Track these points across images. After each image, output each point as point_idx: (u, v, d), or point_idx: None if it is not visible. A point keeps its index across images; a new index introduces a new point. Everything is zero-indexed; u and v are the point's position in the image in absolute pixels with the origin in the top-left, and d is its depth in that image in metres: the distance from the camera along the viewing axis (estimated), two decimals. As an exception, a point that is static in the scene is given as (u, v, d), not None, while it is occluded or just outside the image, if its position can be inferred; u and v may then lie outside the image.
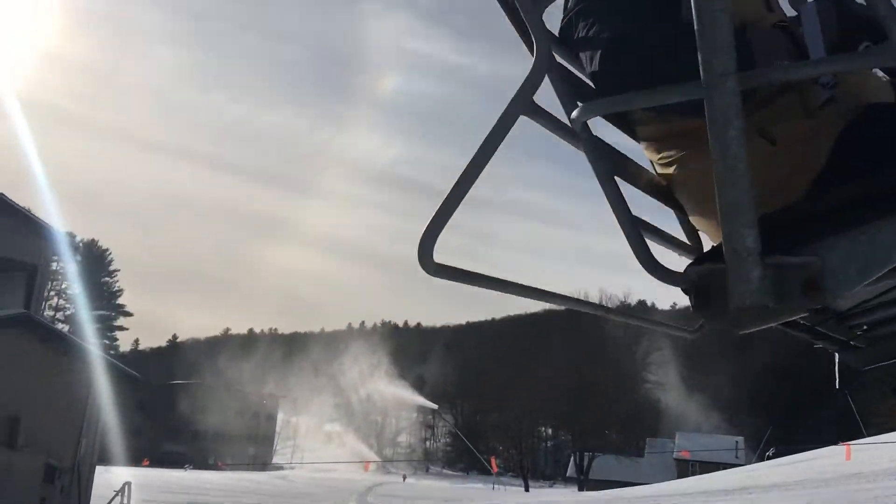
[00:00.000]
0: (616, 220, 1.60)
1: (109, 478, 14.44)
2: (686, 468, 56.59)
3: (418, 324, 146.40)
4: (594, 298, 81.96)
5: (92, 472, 13.47)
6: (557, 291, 1.90)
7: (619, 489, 34.85)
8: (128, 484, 14.06)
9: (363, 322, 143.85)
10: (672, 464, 62.29)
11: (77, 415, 13.14)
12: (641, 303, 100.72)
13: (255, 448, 76.58)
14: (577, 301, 2.01)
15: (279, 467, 69.70)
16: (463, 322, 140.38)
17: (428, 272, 1.63)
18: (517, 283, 1.77)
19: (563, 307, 1.96)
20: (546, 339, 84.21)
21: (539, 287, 1.84)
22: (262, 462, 69.57)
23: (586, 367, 66.64)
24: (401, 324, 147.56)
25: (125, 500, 13.82)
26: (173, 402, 71.23)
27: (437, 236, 1.64)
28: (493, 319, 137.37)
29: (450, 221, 1.61)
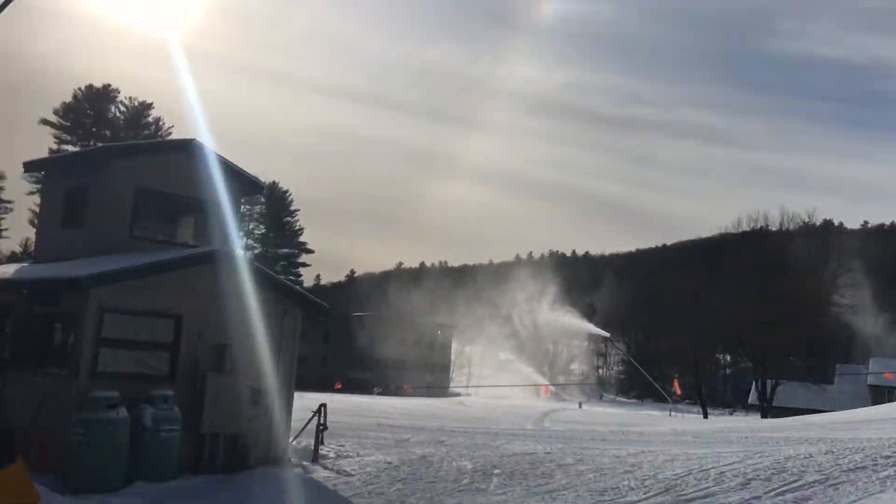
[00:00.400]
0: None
1: (303, 402, 15.48)
2: (882, 395, 53.14)
3: (586, 253, 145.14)
4: (774, 219, 77.39)
5: (291, 394, 14.54)
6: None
7: (807, 416, 33.34)
8: (323, 405, 15.05)
9: (531, 252, 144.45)
10: (865, 391, 58.70)
11: (274, 342, 14.16)
12: (827, 222, 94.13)
13: (431, 376, 79.68)
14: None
15: (456, 394, 72.19)
16: (633, 249, 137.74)
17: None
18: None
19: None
20: (720, 263, 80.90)
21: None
22: (440, 389, 72.23)
23: (767, 291, 63.40)
24: (568, 253, 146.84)
25: (321, 419, 14.82)
26: (354, 333, 75.29)
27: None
28: (663, 246, 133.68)
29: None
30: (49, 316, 12.94)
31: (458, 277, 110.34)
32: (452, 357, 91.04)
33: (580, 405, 67.08)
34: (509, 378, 79.06)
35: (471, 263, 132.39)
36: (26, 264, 16.54)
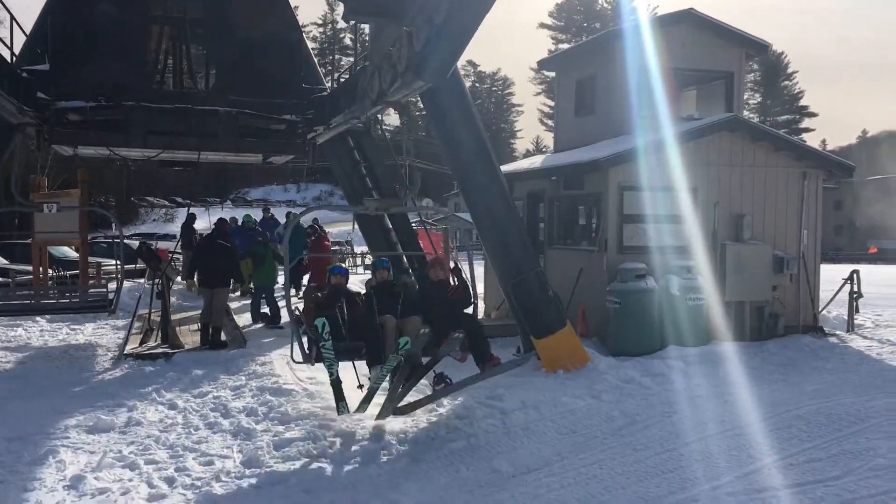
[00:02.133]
0: None
1: (825, 274, 14.41)
2: None
3: None
4: None
5: (817, 262, 13.73)
6: None
7: None
8: (855, 272, 13.92)
9: None
10: None
11: (795, 208, 13.44)
12: None
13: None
14: None
15: None
16: None
17: None
18: None
19: None
20: None
21: None
22: None
23: None
24: None
25: (855, 287, 13.75)
26: (873, 198, 67.56)
27: None
28: None
29: None
30: (575, 198, 14.15)
31: None
32: None
33: None
34: None
35: None
36: (549, 155, 18.23)
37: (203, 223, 27.87)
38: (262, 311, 15.16)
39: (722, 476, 6.42)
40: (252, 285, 16.37)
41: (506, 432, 7.86)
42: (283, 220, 20.47)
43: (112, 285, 13.77)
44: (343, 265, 9.27)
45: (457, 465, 6.94)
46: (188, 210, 23.50)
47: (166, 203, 71.61)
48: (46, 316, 14.54)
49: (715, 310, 12.46)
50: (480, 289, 18.51)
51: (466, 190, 11.13)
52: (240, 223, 19.13)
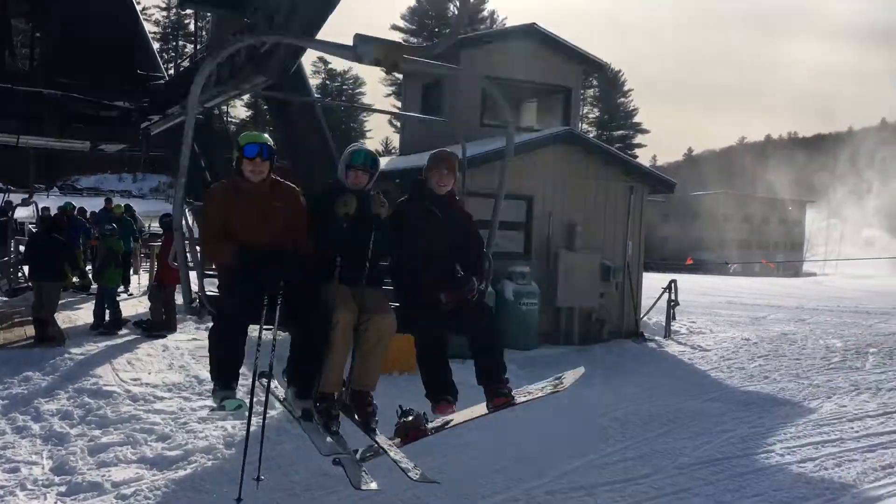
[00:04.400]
0: None
1: (649, 282, 15.44)
2: None
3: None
4: None
5: (640, 272, 14.63)
6: None
7: None
8: (673, 281, 14.93)
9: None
10: None
11: (621, 219, 14.24)
12: None
13: (783, 255, 74.70)
14: None
15: (811, 273, 67.09)
16: None
17: None
18: None
19: None
20: None
21: None
22: (793, 266, 67.56)
23: None
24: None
25: (672, 296, 14.74)
26: (695, 212, 72.77)
27: None
28: None
29: None
30: (417, 201, 14.29)
31: (811, 149, 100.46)
32: (806, 235, 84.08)
33: None
34: (874, 256, 71.10)
35: (825, 132, 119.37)
36: (394, 157, 18.33)
37: (26, 212, 25.88)
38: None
39: (544, 475, 6.70)
40: (78, 281, 15.13)
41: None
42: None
43: None
44: None
45: (285, 468, 6.83)
46: (5, 197, 21.77)
47: (-17, 187, 65.89)
48: None
49: (546, 314, 12.98)
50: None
51: (308, 188, 10.97)
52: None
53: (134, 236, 16.01)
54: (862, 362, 11.32)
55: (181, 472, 6.60)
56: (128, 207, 18.60)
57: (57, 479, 6.36)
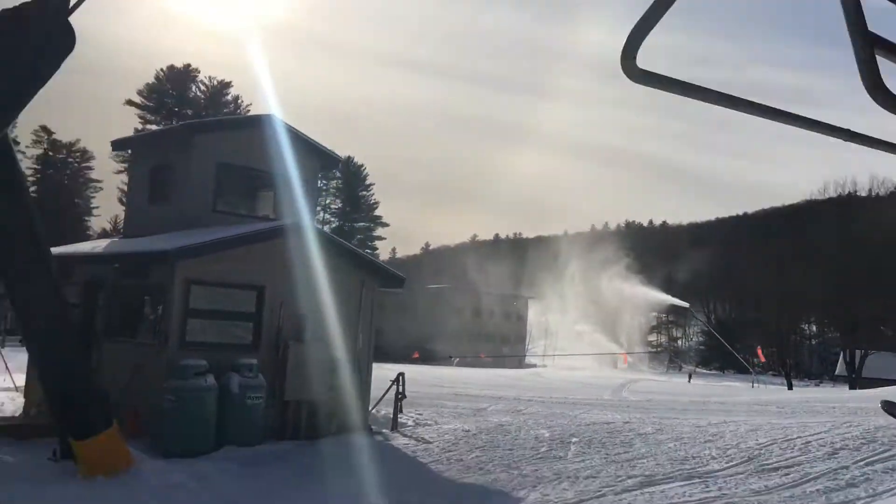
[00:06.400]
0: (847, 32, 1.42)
1: (381, 372, 15.71)
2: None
3: (664, 222, 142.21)
4: (863, 185, 74.39)
5: (370, 364, 14.81)
6: (788, 111, 1.69)
7: (898, 387, 32.04)
8: (401, 374, 15.26)
9: (606, 222, 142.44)
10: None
11: (353, 312, 14.43)
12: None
13: (507, 347, 79.82)
14: (813, 122, 1.77)
15: (532, 365, 72.13)
16: (712, 218, 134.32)
17: (631, 78, 1.53)
18: (734, 97, 1.61)
19: (797, 127, 1.74)
20: (805, 231, 78.13)
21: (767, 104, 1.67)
22: (515, 359, 72.24)
23: (856, 259, 60.94)
24: (645, 223, 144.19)
25: (400, 388, 15.04)
26: (430, 305, 75.85)
27: (643, 39, 1.52)
28: (745, 214, 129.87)
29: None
30: (139, 288, 13.48)
31: (534, 249, 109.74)
32: (528, 328, 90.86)
33: (690, 377, 61.19)
34: (586, 349, 78.51)
35: (546, 234, 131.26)
36: (116, 239, 17.22)
37: None
38: None
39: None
40: None
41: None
42: None
43: None
44: None
45: None
46: None
47: None
48: None
49: (274, 408, 12.63)
50: (21, 381, 16.47)
51: (5, 270, 9.90)
52: None
53: None
54: (565, 451, 12.22)
55: None
56: None
57: None
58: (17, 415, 14.68)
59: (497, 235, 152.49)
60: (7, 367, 19.49)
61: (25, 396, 15.58)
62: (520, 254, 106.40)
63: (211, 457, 11.12)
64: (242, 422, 11.98)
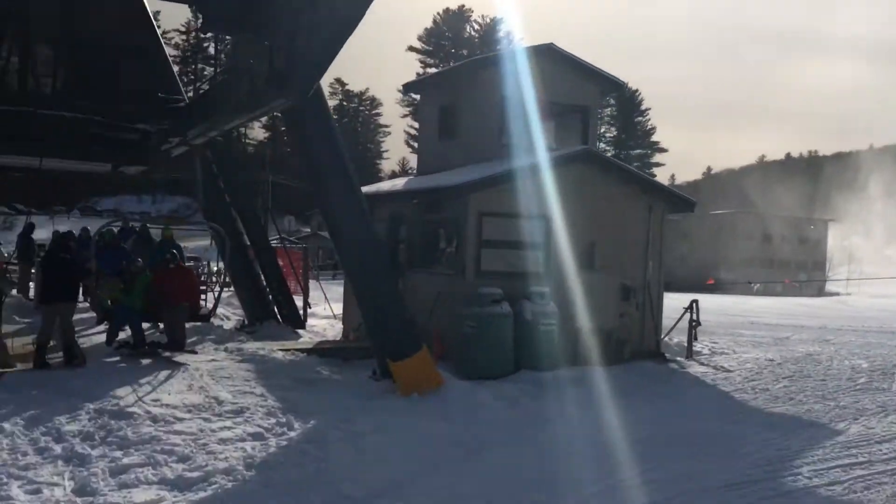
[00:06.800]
0: None
1: (669, 301, 15.28)
2: None
3: None
4: None
5: (660, 292, 14.50)
6: None
7: None
8: (694, 301, 14.78)
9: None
10: None
11: (641, 238, 14.16)
12: None
13: (805, 274, 73.97)
14: None
15: (833, 293, 66.35)
16: None
17: None
18: None
19: None
20: None
21: None
22: (815, 286, 66.83)
23: None
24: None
25: (694, 316, 14.59)
26: (715, 231, 72.36)
27: None
28: None
29: None
30: (435, 222, 14.30)
31: (831, 166, 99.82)
32: (828, 253, 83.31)
33: None
34: (897, 275, 70.28)
35: (846, 150, 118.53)
36: (412, 177, 18.38)
37: (45, 233, 26.14)
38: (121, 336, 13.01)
39: (564, 499, 6.59)
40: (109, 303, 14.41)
41: (357, 456, 7.76)
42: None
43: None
44: None
45: (306, 490, 6.77)
46: (27, 219, 21.97)
47: (5, 210, 66.65)
48: None
49: (566, 335, 12.87)
50: (339, 310, 18.40)
51: (325, 209, 11.02)
52: (93, 237, 17.03)
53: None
54: (889, 383, 11.13)
55: (202, 494, 6.56)
56: (144, 228, 18.46)
57: (79, 500, 6.34)
58: (337, 339, 16.45)
59: (788, 154, 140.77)
60: (326, 298, 21.86)
61: (343, 323, 17.40)
62: (814, 173, 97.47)
63: (510, 379, 11.62)
64: (536, 348, 12.34)
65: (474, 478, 7.14)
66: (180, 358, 11.63)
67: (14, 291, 18.66)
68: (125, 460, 7.33)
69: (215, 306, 14.25)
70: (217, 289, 17.25)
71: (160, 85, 15.23)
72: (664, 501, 6.57)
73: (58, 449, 7.66)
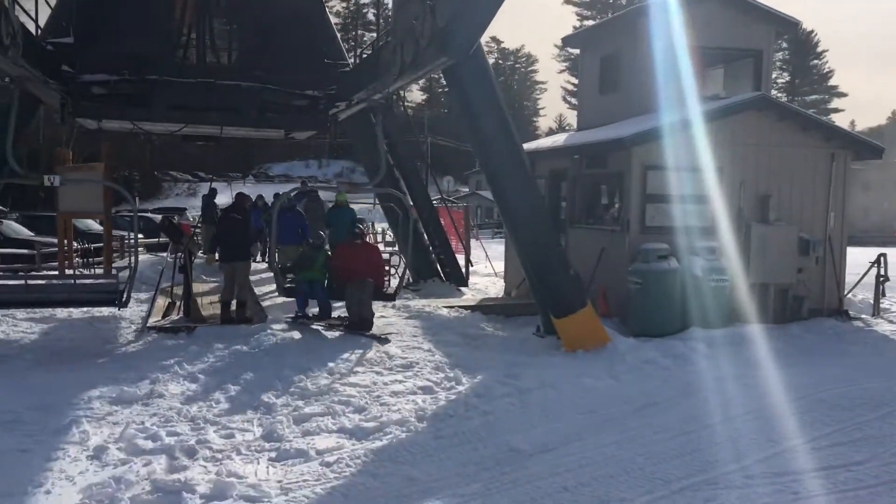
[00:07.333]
0: None
1: (851, 257, 14.19)
2: None
3: None
4: None
5: (843, 244, 13.55)
6: None
7: None
8: (882, 255, 13.72)
9: None
10: None
11: (822, 189, 13.25)
12: None
13: None
14: None
15: None
16: None
17: None
18: None
19: None
20: None
21: None
22: None
23: None
24: None
25: (882, 271, 13.55)
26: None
27: None
28: None
29: None
30: (597, 177, 14.03)
31: None
32: None
33: None
34: None
35: None
36: (573, 132, 18.08)
37: (225, 198, 28.01)
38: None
39: (742, 459, 6.37)
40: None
41: (524, 411, 7.85)
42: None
43: (124, 274, 12.52)
44: None
45: (474, 442, 6.94)
46: (210, 185, 23.60)
47: (189, 177, 71.96)
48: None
49: (738, 291, 12.34)
50: (501, 267, 18.56)
51: (487, 168, 11.08)
52: (268, 202, 17.74)
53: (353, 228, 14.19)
54: None
55: (377, 444, 6.87)
56: (312, 190, 19.31)
57: (267, 445, 6.82)
58: (499, 296, 16.63)
59: None
60: (487, 256, 22.10)
61: (504, 280, 17.55)
62: None
63: (679, 336, 11.30)
64: (707, 304, 11.90)
65: (646, 435, 7.04)
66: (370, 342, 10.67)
67: (200, 252, 20.20)
68: (306, 409, 7.80)
69: (399, 285, 13.74)
70: (400, 264, 16.85)
71: (326, 51, 15.78)
72: (853, 465, 6.20)
73: (246, 398, 8.27)
